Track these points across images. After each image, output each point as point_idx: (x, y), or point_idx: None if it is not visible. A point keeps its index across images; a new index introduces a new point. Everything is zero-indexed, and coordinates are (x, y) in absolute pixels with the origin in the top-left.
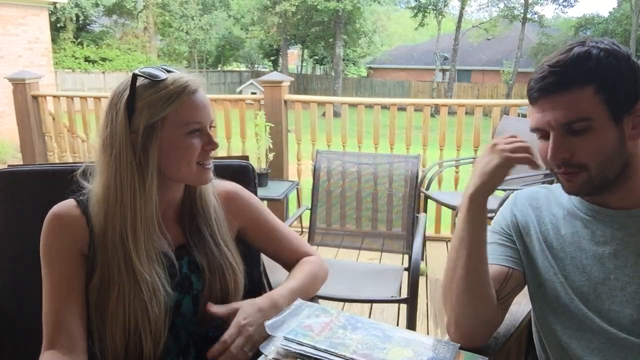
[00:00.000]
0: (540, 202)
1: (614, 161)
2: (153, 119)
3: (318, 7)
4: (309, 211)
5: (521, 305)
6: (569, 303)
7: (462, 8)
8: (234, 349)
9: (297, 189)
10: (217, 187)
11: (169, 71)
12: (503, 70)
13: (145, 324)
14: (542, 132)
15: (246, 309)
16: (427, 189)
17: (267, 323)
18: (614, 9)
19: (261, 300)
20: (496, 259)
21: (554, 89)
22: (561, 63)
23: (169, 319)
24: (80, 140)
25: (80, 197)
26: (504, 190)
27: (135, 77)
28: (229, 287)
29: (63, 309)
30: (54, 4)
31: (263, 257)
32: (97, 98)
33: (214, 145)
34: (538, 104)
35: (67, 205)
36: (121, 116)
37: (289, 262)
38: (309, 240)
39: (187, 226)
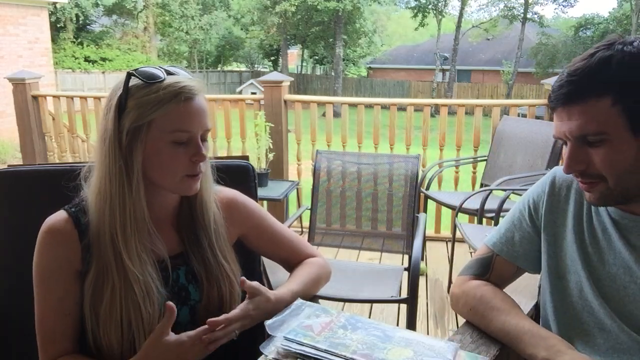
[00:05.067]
0: (579, 189)
1: (634, 173)
2: (139, 122)
3: (318, 7)
4: (309, 211)
5: (521, 305)
6: (592, 299)
7: (462, 8)
8: (231, 330)
9: (297, 189)
10: (217, 194)
11: (170, 73)
12: (503, 70)
13: (139, 323)
14: (562, 141)
15: (261, 304)
16: (427, 189)
17: (267, 323)
18: (613, 9)
19: (271, 305)
20: (511, 256)
21: (569, 100)
22: (579, 71)
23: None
24: (80, 140)
25: (73, 208)
26: (504, 190)
27: (129, 75)
28: (225, 298)
29: (59, 327)
30: (54, 4)
31: (263, 257)
32: (97, 98)
33: (202, 158)
34: (556, 113)
35: (59, 219)
36: (112, 114)
37: (292, 265)
38: (308, 240)
39: (186, 234)
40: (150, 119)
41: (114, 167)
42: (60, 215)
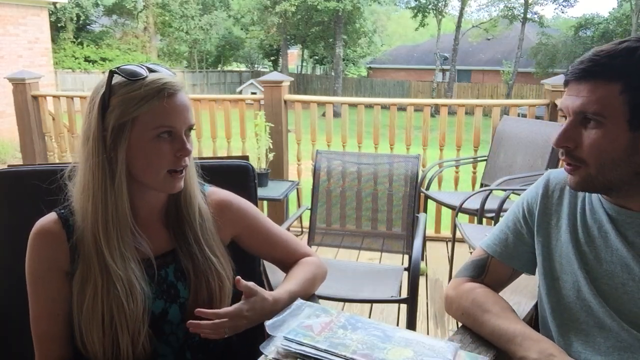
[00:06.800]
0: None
1: (619, 166)
2: (123, 119)
3: (318, 7)
4: (309, 211)
5: (521, 305)
6: (590, 299)
7: (462, 8)
8: (219, 325)
9: (297, 189)
10: (211, 196)
11: (152, 70)
12: (503, 70)
13: (122, 320)
14: (564, 116)
15: (257, 305)
16: (427, 189)
17: (267, 323)
18: (614, 9)
19: (269, 305)
20: (506, 257)
21: (583, 76)
22: (604, 53)
23: (147, 317)
24: None
25: (62, 210)
26: (504, 190)
27: (112, 73)
28: (214, 293)
29: (50, 328)
30: (54, 4)
31: None
32: None
33: (186, 152)
34: (568, 88)
35: (48, 221)
36: (95, 112)
37: (287, 265)
38: (309, 240)
39: (174, 231)
40: (134, 115)
41: (97, 165)
42: (50, 217)
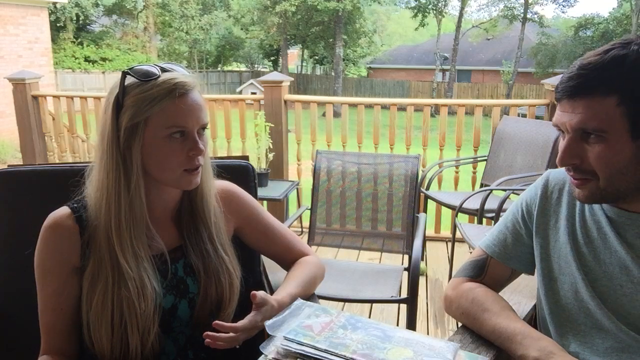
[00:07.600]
0: (571, 191)
1: (626, 175)
2: (136, 119)
3: (318, 7)
4: (309, 211)
5: (521, 305)
6: (588, 300)
7: (462, 8)
8: (235, 338)
9: (297, 189)
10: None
11: (165, 70)
12: (503, 70)
13: (133, 319)
14: (560, 130)
15: (267, 314)
16: (427, 189)
17: (268, 323)
18: (614, 9)
19: (275, 311)
20: (504, 258)
21: (576, 93)
22: (591, 66)
23: (158, 317)
24: (80, 140)
25: (75, 204)
26: (504, 190)
27: (125, 74)
28: (225, 291)
29: (55, 322)
30: (54, 3)
31: (263, 257)
32: (97, 98)
33: (199, 152)
34: (560, 104)
35: (61, 215)
36: (109, 113)
37: (286, 261)
38: (309, 240)
39: (185, 227)
40: (146, 116)
41: (111, 165)
42: (62, 210)
